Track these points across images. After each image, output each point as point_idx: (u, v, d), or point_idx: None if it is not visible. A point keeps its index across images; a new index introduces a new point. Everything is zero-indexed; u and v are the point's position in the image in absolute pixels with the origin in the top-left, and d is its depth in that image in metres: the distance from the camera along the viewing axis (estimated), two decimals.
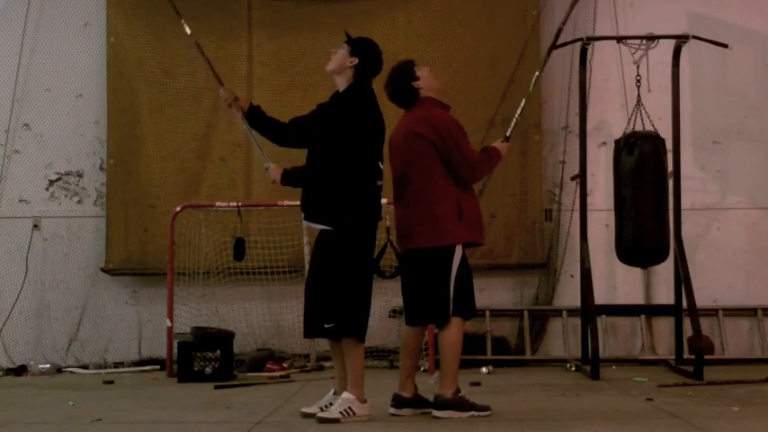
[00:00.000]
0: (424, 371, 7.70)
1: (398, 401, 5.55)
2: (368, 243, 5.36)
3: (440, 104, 5.67)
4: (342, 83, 5.51)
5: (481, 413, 5.41)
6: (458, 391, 5.45)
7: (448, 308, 5.42)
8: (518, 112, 6.24)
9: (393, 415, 5.50)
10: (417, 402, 5.57)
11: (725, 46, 8.09)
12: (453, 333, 5.44)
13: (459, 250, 5.45)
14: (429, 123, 5.50)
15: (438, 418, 5.38)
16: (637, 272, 8.75)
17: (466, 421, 5.30)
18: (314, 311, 5.37)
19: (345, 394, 5.25)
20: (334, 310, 5.25)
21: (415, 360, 5.68)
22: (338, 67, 5.51)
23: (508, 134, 6.02)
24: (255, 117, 5.66)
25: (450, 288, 5.42)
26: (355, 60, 5.45)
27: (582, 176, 8.21)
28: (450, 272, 5.42)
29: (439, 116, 5.55)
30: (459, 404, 5.41)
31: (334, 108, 5.46)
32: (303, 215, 5.53)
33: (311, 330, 5.46)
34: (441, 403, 5.42)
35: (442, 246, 5.43)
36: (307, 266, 8.50)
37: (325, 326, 5.28)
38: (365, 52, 5.50)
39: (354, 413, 5.21)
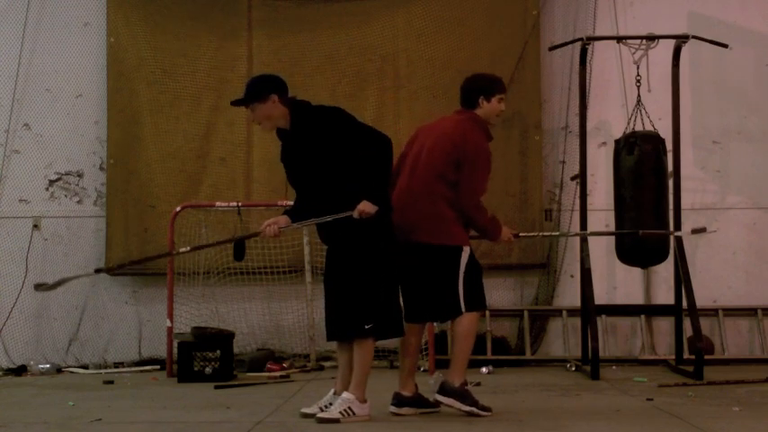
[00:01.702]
0: (425, 371, 7.70)
1: (399, 400, 5.56)
2: (392, 239, 5.39)
3: (485, 131, 5.68)
4: (285, 122, 5.35)
5: (481, 412, 5.42)
6: (465, 383, 5.48)
7: (459, 305, 5.47)
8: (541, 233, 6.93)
9: (393, 414, 5.51)
10: (418, 402, 5.58)
11: (725, 46, 8.09)
12: (466, 324, 5.50)
13: (466, 251, 5.53)
14: (464, 139, 5.55)
15: (440, 402, 5.46)
16: (637, 272, 8.75)
17: (466, 421, 5.30)
18: (344, 313, 5.31)
19: (346, 394, 5.25)
20: (373, 310, 5.25)
21: (415, 359, 5.70)
22: (273, 117, 5.32)
23: (520, 234, 6.06)
24: (299, 216, 5.47)
25: (459, 286, 5.48)
26: (275, 97, 5.29)
27: (582, 176, 8.21)
28: (458, 271, 5.48)
29: (476, 139, 5.58)
30: (463, 396, 5.44)
31: (315, 137, 5.28)
32: (330, 245, 5.47)
33: (338, 333, 5.42)
34: (446, 389, 5.46)
35: (449, 245, 5.50)
36: (308, 266, 8.55)
37: (366, 327, 5.24)
38: (268, 85, 5.34)
39: (354, 413, 5.21)
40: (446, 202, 5.51)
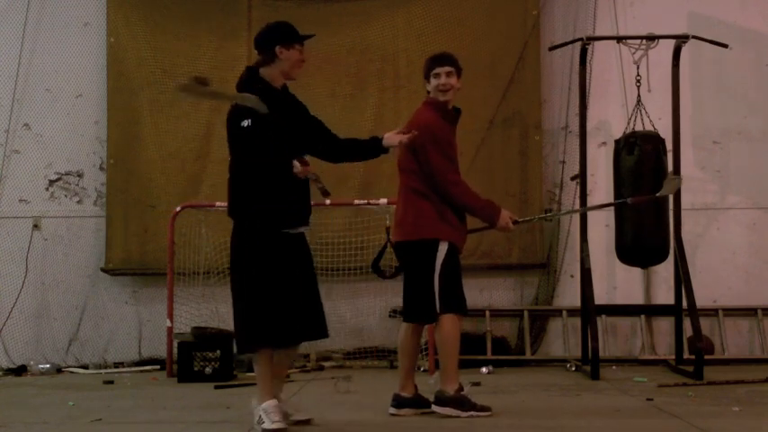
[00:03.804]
0: (425, 371, 7.70)
1: (398, 401, 5.55)
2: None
3: (439, 109, 5.59)
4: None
5: (480, 413, 5.41)
6: (460, 389, 5.46)
7: (434, 304, 5.42)
8: (533, 218, 6.92)
9: (393, 415, 5.50)
10: (417, 402, 5.57)
11: (725, 46, 8.09)
12: (446, 329, 5.44)
13: (443, 247, 5.44)
14: (412, 124, 5.54)
15: (438, 413, 5.42)
16: (637, 272, 8.75)
17: (466, 421, 5.30)
18: (317, 312, 5.22)
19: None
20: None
21: (413, 359, 5.68)
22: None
23: (519, 220, 5.81)
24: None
25: (434, 284, 5.41)
26: None
27: (582, 176, 8.21)
28: (433, 267, 5.42)
29: (421, 119, 5.55)
30: (460, 402, 5.42)
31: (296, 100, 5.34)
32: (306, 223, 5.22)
33: (321, 332, 5.28)
34: (441, 399, 5.46)
35: (423, 240, 5.44)
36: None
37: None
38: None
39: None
40: (420, 196, 5.45)
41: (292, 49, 5.15)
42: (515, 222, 5.68)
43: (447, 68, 5.62)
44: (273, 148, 4.96)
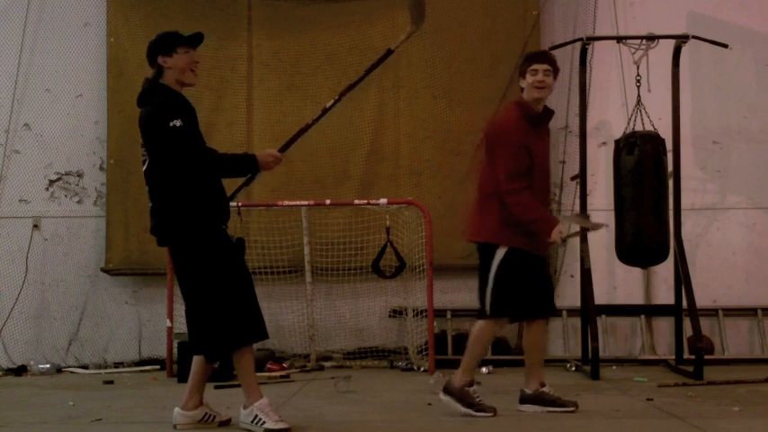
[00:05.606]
0: (424, 371, 7.70)
1: (522, 397, 5.68)
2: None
3: (522, 110, 5.53)
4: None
5: (477, 414, 5.44)
6: (470, 384, 5.51)
7: (485, 305, 5.50)
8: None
9: (519, 410, 5.62)
10: (539, 399, 5.62)
11: (725, 46, 8.09)
12: (476, 330, 5.57)
13: (500, 252, 5.44)
14: (491, 123, 5.61)
15: (441, 400, 5.57)
16: (637, 272, 8.75)
17: (466, 421, 5.31)
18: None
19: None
20: None
21: (533, 355, 5.71)
22: None
23: (565, 237, 5.74)
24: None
25: (488, 287, 5.47)
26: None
27: (582, 176, 8.21)
28: (489, 270, 5.46)
29: (500, 120, 5.57)
30: (461, 397, 5.50)
31: None
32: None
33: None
34: (447, 388, 5.57)
35: (483, 243, 5.51)
36: (308, 266, 8.56)
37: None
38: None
39: None
40: (488, 198, 5.48)
41: (175, 54, 5.12)
42: (564, 241, 5.72)
43: (545, 66, 5.60)
44: (201, 148, 5.01)
